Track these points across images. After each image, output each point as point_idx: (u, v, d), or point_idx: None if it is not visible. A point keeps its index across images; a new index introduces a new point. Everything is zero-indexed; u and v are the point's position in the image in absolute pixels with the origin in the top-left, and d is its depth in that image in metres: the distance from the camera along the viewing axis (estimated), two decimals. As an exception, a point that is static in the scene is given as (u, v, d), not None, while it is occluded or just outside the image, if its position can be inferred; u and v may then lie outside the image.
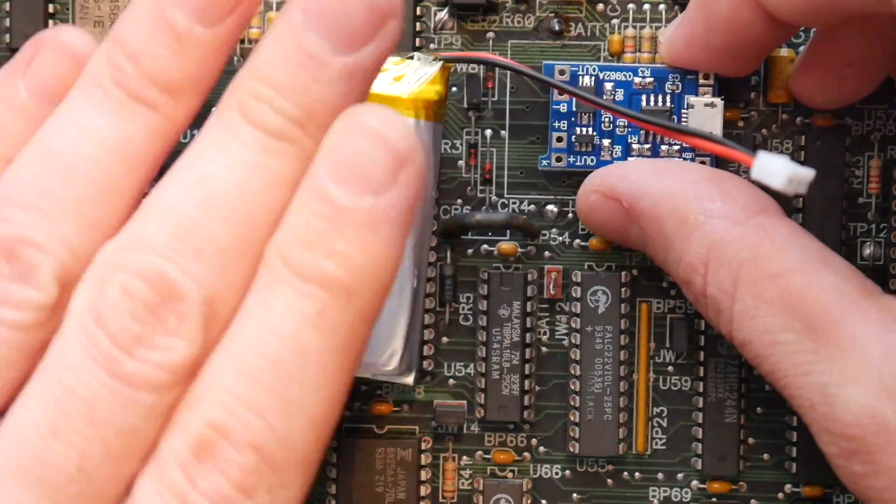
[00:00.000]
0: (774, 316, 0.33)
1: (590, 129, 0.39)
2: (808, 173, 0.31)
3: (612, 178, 0.37)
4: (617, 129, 0.39)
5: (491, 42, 0.41)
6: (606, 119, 0.39)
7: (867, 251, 0.40)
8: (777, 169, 0.31)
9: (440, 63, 0.38)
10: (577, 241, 0.41)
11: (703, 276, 0.34)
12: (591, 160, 0.39)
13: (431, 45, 0.41)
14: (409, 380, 0.39)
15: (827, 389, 0.32)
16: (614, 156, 0.39)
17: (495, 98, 0.41)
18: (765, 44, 0.37)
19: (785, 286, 0.33)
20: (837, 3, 0.33)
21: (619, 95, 0.39)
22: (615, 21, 0.40)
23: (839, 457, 0.32)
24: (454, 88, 0.40)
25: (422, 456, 0.41)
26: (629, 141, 0.39)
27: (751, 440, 0.40)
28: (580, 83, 0.39)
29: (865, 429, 0.31)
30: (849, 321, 0.32)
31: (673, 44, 0.38)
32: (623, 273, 0.40)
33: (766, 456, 0.41)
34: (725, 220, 0.34)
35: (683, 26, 0.38)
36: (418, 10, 0.41)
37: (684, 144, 0.39)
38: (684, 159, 0.39)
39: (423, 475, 0.41)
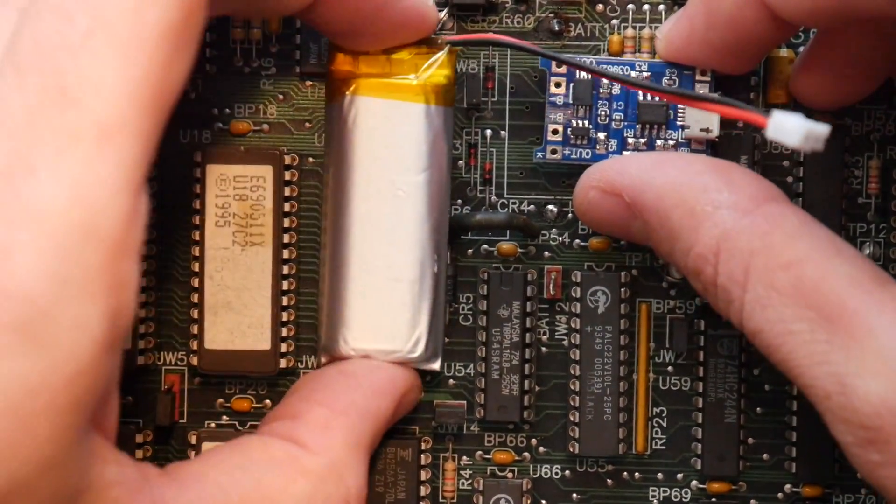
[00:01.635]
0: (787, 305, 0.33)
1: (586, 122, 0.39)
2: (823, 129, 0.30)
3: (612, 173, 0.37)
4: (613, 122, 0.39)
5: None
6: (602, 112, 0.39)
7: (867, 251, 0.40)
8: (793, 127, 0.30)
9: (447, 47, 0.39)
10: (577, 241, 0.41)
11: (714, 266, 0.34)
12: (587, 153, 0.39)
13: (431, 46, 0.41)
14: (436, 365, 0.40)
15: (843, 380, 0.32)
16: (609, 149, 0.39)
17: (495, 98, 0.41)
18: (766, 43, 0.37)
19: (797, 275, 0.33)
20: (848, 6, 0.33)
21: (616, 90, 0.39)
22: (615, 21, 0.40)
23: (855, 446, 0.32)
24: (454, 89, 0.41)
25: (422, 456, 0.41)
26: (625, 135, 0.39)
27: (750, 440, 0.40)
28: (577, 77, 0.39)
29: (884, 419, 0.31)
30: (864, 311, 0.32)
31: (671, 40, 0.38)
32: (623, 273, 0.40)
33: (765, 456, 0.41)
34: (734, 210, 0.34)
35: (682, 23, 0.38)
36: (418, 10, 0.41)
37: (680, 139, 0.39)
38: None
39: (423, 475, 0.41)
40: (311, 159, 0.41)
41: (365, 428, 0.37)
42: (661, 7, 0.40)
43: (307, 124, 0.41)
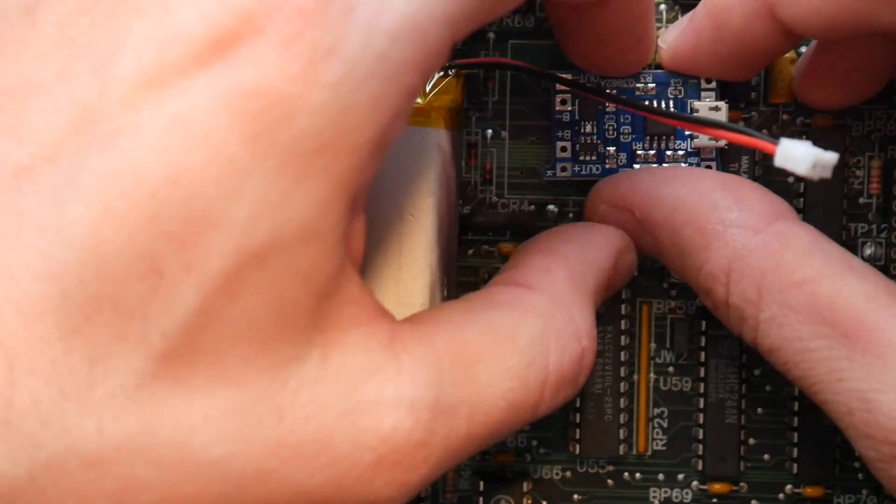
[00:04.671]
0: (803, 323, 0.33)
1: (594, 137, 0.39)
2: (831, 157, 0.30)
3: (623, 189, 0.37)
4: (621, 136, 0.39)
5: (491, 42, 0.41)
6: (610, 126, 0.39)
7: (868, 252, 0.40)
8: (800, 155, 0.30)
9: (455, 70, 0.38)
10: (578, 241, 0.41)
11: (726, 285, 0.34)
12: (597, 168, 0.39)
13: (431, 45, 0.41)
14: None
15: (866, 395, 0.32)
16: (619, 163, 0.39)
17: (495, 98, 0.41)
18: (774, 53, 0.37)
19: (812, 293, 0.33)
20: (862, 22, 0.33)
21: (622, 102, 0.39)
22: (615, 21, 0.40)
23: (880, 461, 0.32)
24: (454, 88, 0.40)
25: (422, 457, 0.41)
26: (633, 147, 0.39)
27: (751, 441, 0.40)
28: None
29: None
30: (882, 326, 0.32)
31: (676, 51, 0.38)
32: (623, 273, 0.40)
33: (766, 456, 0.40)
34: (744, 229, 0.34)
35: (689, 34, 0.38)
36: (418, 9, 0.40)
37: (689, 149, 0.39)
38: (690, 164, 0.39)
39: (424, 476, 0.41)
40: (310, 159, 0.41)
41: (586, 273, 0.35)
42: (662, 6, 0.40)
43: (307, 124, 0.41)
